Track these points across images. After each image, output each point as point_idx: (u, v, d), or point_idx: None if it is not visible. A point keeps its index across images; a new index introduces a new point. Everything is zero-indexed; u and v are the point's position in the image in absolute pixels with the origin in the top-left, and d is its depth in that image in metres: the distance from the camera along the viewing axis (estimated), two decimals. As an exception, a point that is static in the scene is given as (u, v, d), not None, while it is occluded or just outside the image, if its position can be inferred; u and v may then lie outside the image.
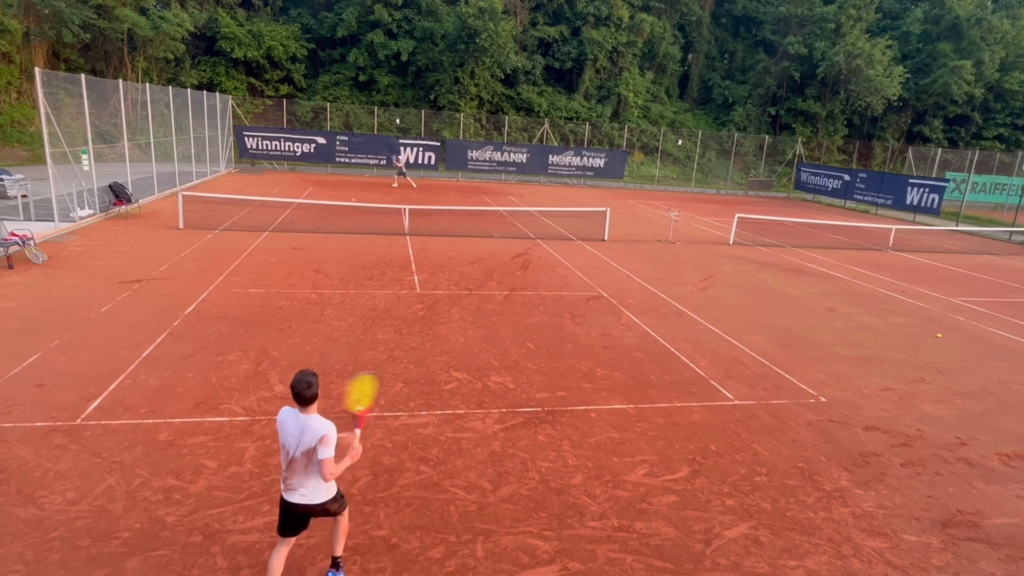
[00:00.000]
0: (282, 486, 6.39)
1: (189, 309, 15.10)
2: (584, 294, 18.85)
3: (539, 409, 11.22)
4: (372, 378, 6.93)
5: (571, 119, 59.24)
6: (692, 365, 13.78)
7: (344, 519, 6.85)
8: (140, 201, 28.07)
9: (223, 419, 10.10)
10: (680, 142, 60.07)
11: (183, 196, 25.07)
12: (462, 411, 10.93)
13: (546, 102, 59.18)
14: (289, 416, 6.29)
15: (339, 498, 6.64)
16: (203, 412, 10.26)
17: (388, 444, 9.70)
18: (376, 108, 54.78)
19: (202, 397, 10.78)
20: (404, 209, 27.73)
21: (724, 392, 12.52)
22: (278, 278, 18.26)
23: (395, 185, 41.68)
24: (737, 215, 31.21)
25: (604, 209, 29.21)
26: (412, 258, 21.91)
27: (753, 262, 25.58)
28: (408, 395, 11.40)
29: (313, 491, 6.34)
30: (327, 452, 6.14)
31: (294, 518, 6.44)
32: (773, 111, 63.32)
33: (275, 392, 11.12)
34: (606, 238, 28.11)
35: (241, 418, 10.16)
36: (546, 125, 56.81)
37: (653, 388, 12.45)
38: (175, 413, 10.17)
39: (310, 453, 6.17)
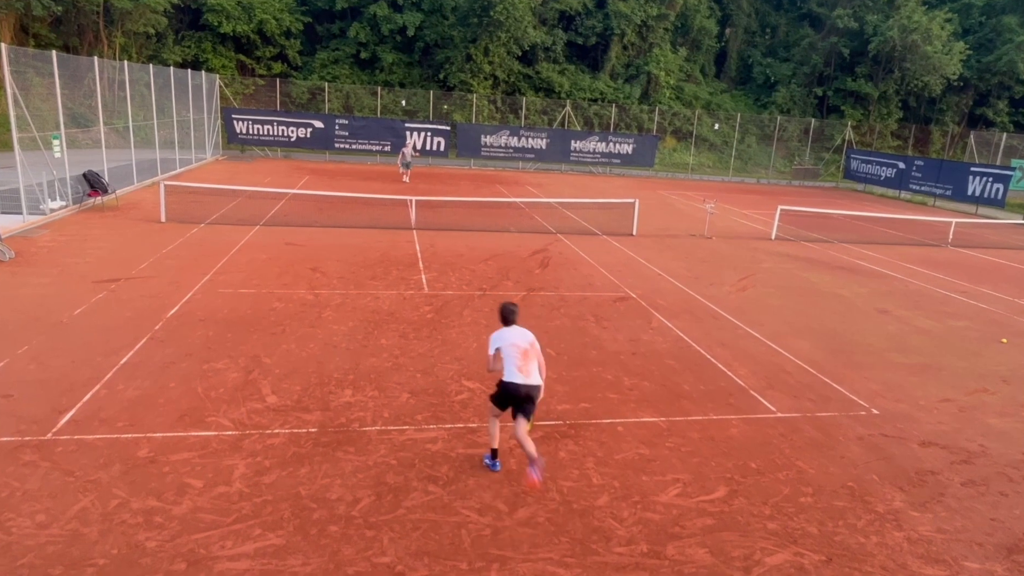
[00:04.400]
0: (515, 376, 9.21)
1: (172, 311, 15.15)
2: (610, 295, 18.83)
3: (560, 422, 11.21)
4: None
5: (596, 101, 59.12)
6: (730, 374, 13.74)
7: (527, 426, 9.36)
8: (117, 192, 28.17)
9: (210, 433, 10.11)
10: (716, 126, 59.86)
11: (165, 186, 25.13)
12: (475, 425, 10.92)
13: (568, 82, 59.10)
14: (505, 331, 9.47)
15: (539, 393, 9.46)
16: (187, 426, 10.28)
17: (393, 461, 9.69)
18: (379, 88, 54.80)
19: (186, 409, 10.80)
20: (410, 200, 27.73)
21: (765, 404, 12.48)
22: (271, 277, 18.31)
23: (406, 180, 40.63)
24: (780, 207, 31.09)
25: (632, 200, 29.13)
26: (419, 255, 21.94)
27: (798, 259, 25.49)
28: (415, 407, 11.40)
29: (535, 377, 9.35)
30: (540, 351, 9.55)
31: (522, 398, 9.27)
32: (820, 92, 62.98)
33: (268, 404, 11.13)
34: (635, 233, 28.05)
35: (230, 432, 10.18)
36: (568, 107, 56.74)
37: (687, 399, 12.42)
38: (156, 427, 10.19)
39: (532, 345, 9.40)
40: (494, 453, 9.83)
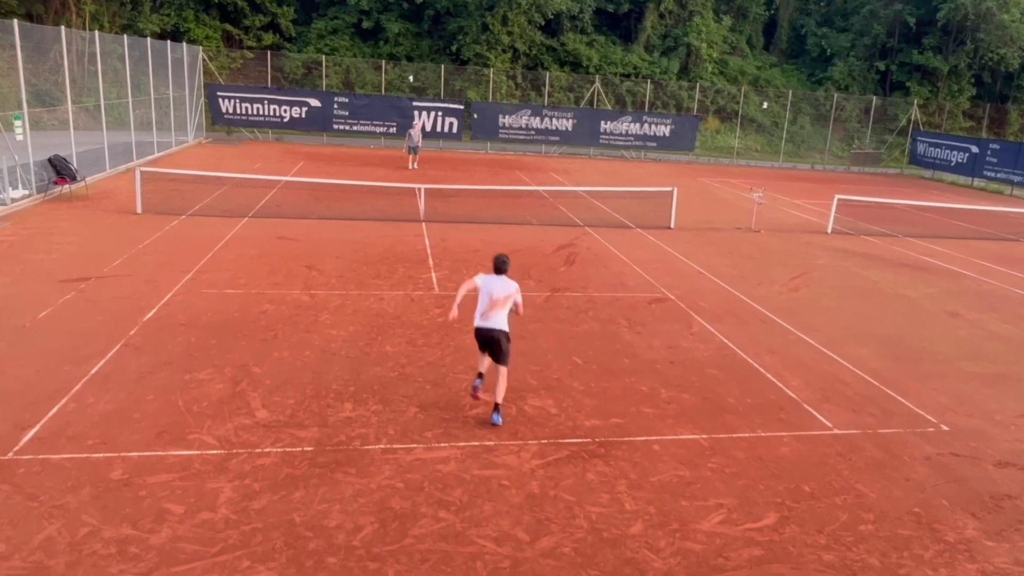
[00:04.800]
0: (482, 320, 11.51)
1: (149, 315, 15.19)
2: (645, 295, 18.80)
3: (588, 440, 11.17)
4: None
5: (628, 76, 59.04)
6: (780, 385, 13.68)
7: (505, 372, 11.60)
8: (87, 179, 28.15)
9: (192, 452, 10.09)
10: (765, 105, 59.66)
11: (141, 173, 25.18)
12: (491, 442, 10.90)
13: (597, 55, 59.03)
14: (490, 279, 11.60)
15: (508, 342, 11.63)
16: (166, 444, 10.26)
17: (399, 484, 9.65)
18: (384, 63, 54.78)
19: (165, 425, 10.78)
20: (419, 189, 27.75)
21: (820, 419, 12.41)
22: (261, 276, 18.35)
23: (413, 166, 40.31)
24: (837, 196, 30.92)
25: (670, 189, 29.04)
26: (429, 250, 21.97)
27: (857, 255, 25.41)
28: (424, 422, 11.38)
29: (500, 323, 11.50)
30: (520, 297, 11.78)
31: (487, 340, 11.55)
32: (882, 66, 62.66)
33: (257, 419, 11.11)
34: (672, 225, 28.01)
35: (214, 451, 10.15)
36: (597, 84, 56.65)
37: (731, 414, 12.37)
38: (131, 445, 10.17)
39: (508, 298, 11.53)
40: (480, 375, 11.94)
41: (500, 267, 11.74)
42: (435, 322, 15.81)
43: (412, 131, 40.98)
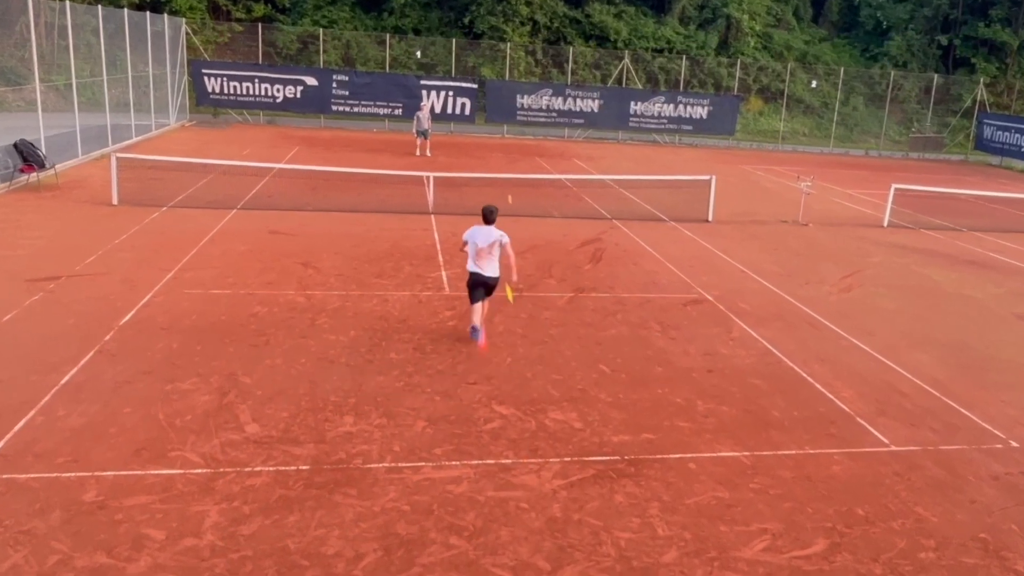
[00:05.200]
0: (473, 266, 14.46)
1: (126, 318, 15.21)
2: (679, 296, 18.79)
3: (616, 458, 11.12)
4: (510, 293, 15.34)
5: (661, 52, 59.00)
6: (831, 396, 13.63)
7: (487, 304, 14.94)
8: (57, 166, 28.24)
9: (174, 471, 10.06)
10: (814, 84, 59.53)
11: (118, 159, 25.24)
12: (508, 460, 10.86)
13: (626, 28, 59.02)
14: (476, 229, 14.53)
15: (496, 286, 14.80)
16: (145, 462, 10.23)
17: (405, 507, 9.62)
18: (388, 36, 54.89)
19: (144, 441, 10.76)
20: (427, 178, 27.78)
21: (876, 434, 12.35)
22: (251, 274, 18.40)
23: (421, 154, 40.13)
24: (893, 186, 30.80)
25: (708, 177, 29.03)
26: (438, 246, 22.04)
27: (916, 251, 25.37)
28: (433, 438, 11.36)
29: (490, 270, 14.42)
30: (506, 241, 14.41)
31: (480, 284, 14.49)
32: (944, 40, 62.46)
33: (247, 434, 11.09)
34: (710, 218, 28.03)
35: (199, 470, 10.12)
36: (626, 60, 56.61)
37: (776, 428, 12.33)
38: (106, 463, 10.14)
39: (493, 245, 14.31)
40: (474, 328, 14.68)
41: (486, 216, 14.70)
42: (445, 326, 15.83)
43: (420, 113, 40.96)
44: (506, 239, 14.50)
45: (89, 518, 8.99)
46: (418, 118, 40.71)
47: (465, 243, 14.82)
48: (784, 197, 33.89)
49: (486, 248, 14.38)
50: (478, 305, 14.68)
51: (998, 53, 61.40)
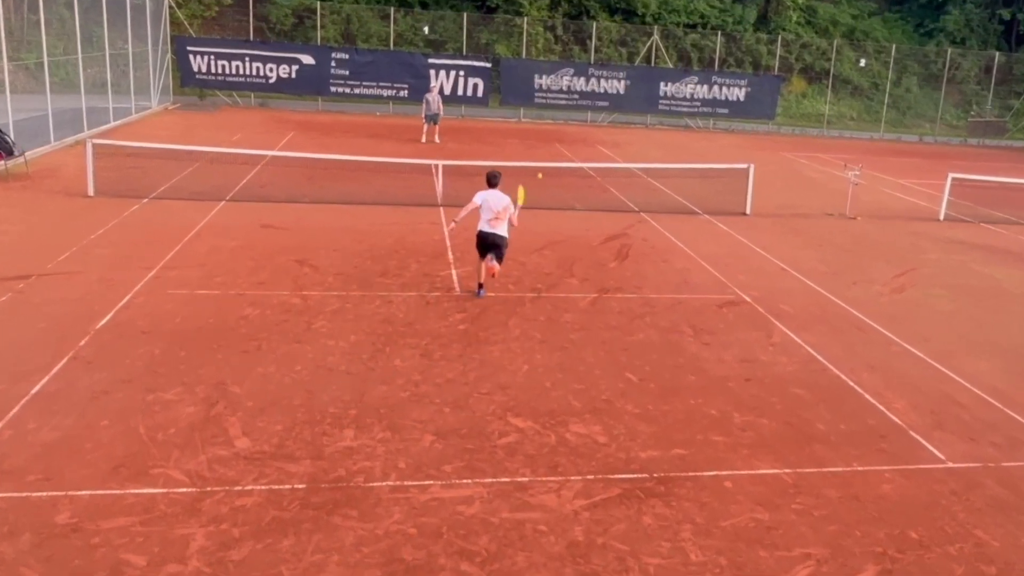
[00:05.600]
0: (486, 227, 17.07)
1: (103, 321, 15.22)
2: (714, 297, 18.79)
3: (645, 476, 11.11)
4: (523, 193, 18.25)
5: (694, 27, 58.95)
6: (882, 407, 13.60)
7: (499, 266, 17.47)
8: (27, 153, 28.26)
9: (156, 491, 10.05)
10: (863, 63, 59.40)
11: (94, 146, 25.28)
12: (525, 478, 10.85)
13: (655, 1, 58.94)
14: (488, 194, 17.18)
15: (507, 247, 17.56)
16: (125, 480, 10.22)
17: (411, 530, 9.60)
18: (393, 10, 54.72)
19: (123, 457, 10.75)
20: (435, 166, 27.79)
21: (931, 449, 12.31)
22: (241, 273, 18.44)
23: (428, 140, 40.08)
24: (951, 175, 30.76)
25: (745, 166, 29.03)
26: (448, 242, 22.05)
27: (976, 248, 25.34)
28: (443, 453, 11.36)
29: (502, 231, 17.10)
30: (514, 208, 17.48)
31: (490, 245, 17.09)
32: (1007, 14, 62.28)
33: (237, 449, 11.08)
34: (748, 211, 28.05)
35: (184, 489, 10.11)
36: (655, 36, 56.58)
37: (821, 443, 12.30)
38: (82, 482, 10.13)
39: (505, 210, 17.10)
40: (480, 286, 17.96)
41: (492, 180, 17.56)
42: (456, 330, 15.84)
43: (430, 96, 40.84)
44: (513, 207, 17.51)
45: (62, 542, 8.96)
46: (427, 101, 40.61)
47: (476, 208, 17.40)
48: (830, 188, 33.86)
49: (501, 211, 17.27)
50: (484, 263, 17.51)
51: (1067, 28, 61.34)
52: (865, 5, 65.93)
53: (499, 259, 17.41)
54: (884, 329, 17.33)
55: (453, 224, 18.13)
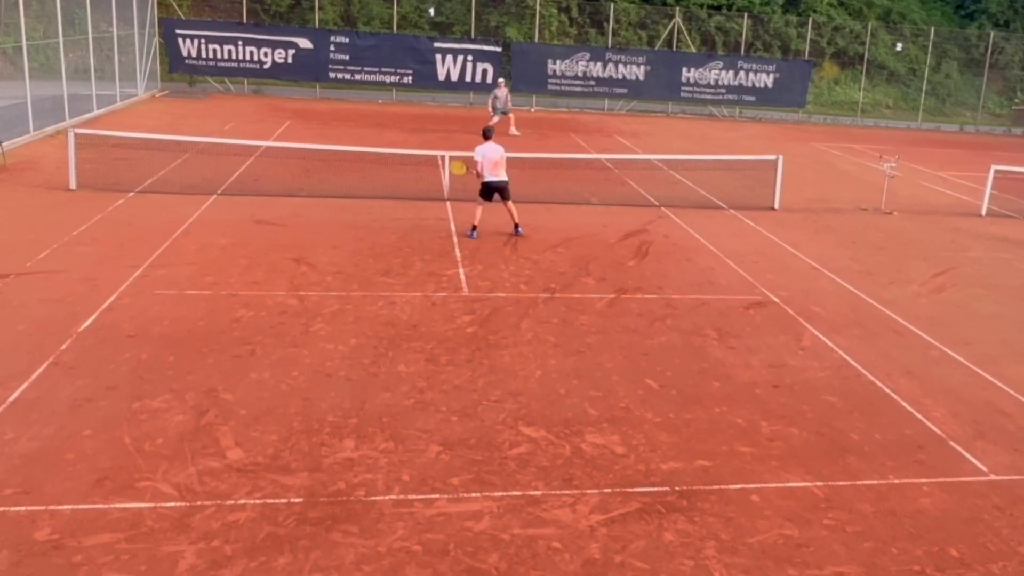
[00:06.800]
0: (490, 175, 22.24)
1: (86, 323, 15.23)
2: (740, 298, 18.79)
3: (666, 489, 11.10)
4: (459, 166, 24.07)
5: (719, 9, 58.93)
6: (920, 416, 13.57)
7: (511, 203, 22.90)
8: (4, 144, 28.23)
9: (143, 505, 10.03)
10: (900, 47, 59.35)
11: (76, 136, 25.17)
12: (538, 492, 10.84)
13: (677, -18, 59.05)
14: (485, 147, 22.30)
15: (509, 185, 22.86)
16: (109, 494, 10.21)
17: (416, 547, 9.60)
18: (396, -9, 54.95)
19: (108, 469, 10.74)
20: (442, 158, 27.80)
21: (972, 461, 12.28)
22: (234, 272, 18.45)
23: (501, 128, 38.25)
24: (993, 167, 30.72)
25: (774, 157, 28.99)
26: (455, 239, 22.08)
27: (1020, 245, 25.34)
28: (449, 465, 11.36)
29: (502, 175, 22.64)
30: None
31: (494, 189, 22.54)
32: (1055, -6, 62.19)
33: (229, 461, 11.06)
34: (776, 205, 28.05)
35: (173, 503, 10.10)
36: (677, 19, 56.60)
37: (855, 454, 12.28)
38: (63, 495, 10.12)
39: (503, 158, 22.70)
40: (474, 227, 22.38)
41: (487, 134, 22.69)
42: (464, 333, 15.83)
43: (498, 91, 40.83)
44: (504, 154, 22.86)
45: (42, 560, 8.96)
46: (495, 96, 40.71)
47: (479, 162, 22.12)
48: (864, 181, 33.85)
49: (500, 160, 22.32)
50: (481, 208, 22.69)
51: (1117, 10, 61.20)
52: (902, -15, 65.99)
53: (506, 196, 22.56)
54: (922, 332, 17.29)
55: (476, 172, 22.34)
